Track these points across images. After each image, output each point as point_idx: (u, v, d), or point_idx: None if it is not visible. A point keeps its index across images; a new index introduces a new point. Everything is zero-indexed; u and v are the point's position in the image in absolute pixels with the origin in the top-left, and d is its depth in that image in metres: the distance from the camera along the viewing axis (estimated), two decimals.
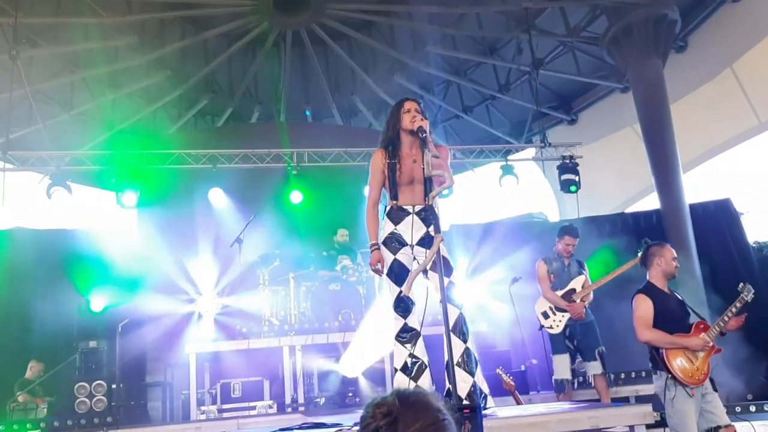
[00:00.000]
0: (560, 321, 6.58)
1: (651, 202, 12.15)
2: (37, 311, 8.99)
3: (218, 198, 9.93)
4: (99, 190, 13.44)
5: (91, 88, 13.71)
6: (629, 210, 13.39)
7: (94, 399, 7.17)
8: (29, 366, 8.55)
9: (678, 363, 4.44)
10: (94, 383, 7.24)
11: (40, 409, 7.54)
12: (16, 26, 9.99)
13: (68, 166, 9.72)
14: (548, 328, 6.64)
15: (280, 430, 3.95)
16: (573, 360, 6.58)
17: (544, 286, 6.70)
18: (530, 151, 13.07)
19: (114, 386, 7.38)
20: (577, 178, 10.44)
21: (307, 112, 10.39)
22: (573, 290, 6.63)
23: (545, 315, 6.68)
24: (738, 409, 6.25)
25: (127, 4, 12.20)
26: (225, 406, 7.50)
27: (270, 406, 7.45)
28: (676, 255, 4.85)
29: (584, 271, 6.80)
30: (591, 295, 6.67)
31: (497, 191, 10.97)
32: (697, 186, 13.48)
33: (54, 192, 9.43)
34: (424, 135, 4.03)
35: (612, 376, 7.29)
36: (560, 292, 6.63)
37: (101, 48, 12.96)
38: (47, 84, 12.79)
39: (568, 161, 10.56)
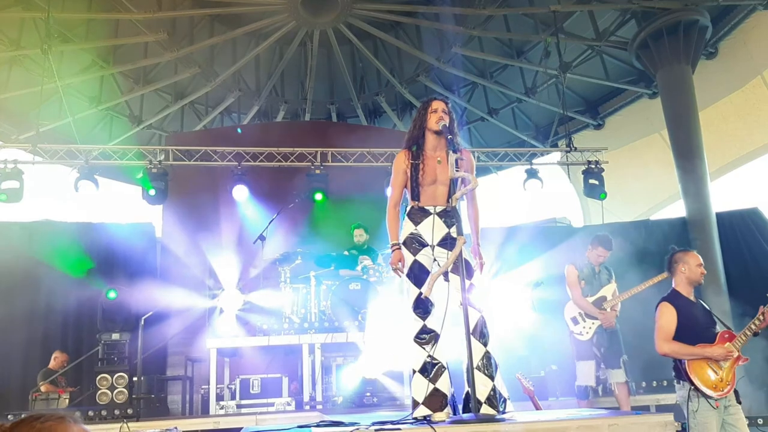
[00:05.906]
0: (590, 328, 6.50)
1: (677, 209, 12.01)
2: (61, 302, 9.15)
3: (242, 195, 10.00)
4: (125, 184, 13.64)
5: (120, 83, 13.93)
6: (655, 217, 13.24)
7: (116, 391, 7.21)
8: (53, 356, 8.67)
9: (702, 374, 4.35)
10: (116, 375, 7.28)
11: (62, 399, 7.61)
12: (49, 21, 10.16)
13: (96, 160, 9.86)
14: (577, 334, 6.56)
15: (298, 427, 3.94)
16: (598, 367, 6.49)
17: (575, 293, 6.59)
18: (555, 155, 12.98)
19: (135, 379, 7.42)
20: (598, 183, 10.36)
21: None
22: (603, 298, 6.54)
23: (575, 321, 6.60)
24: (760, 421, 6.16)
25: (158, 2, 12.34)
26: (243, 402, 7.54)
27: (288, 403, 7.48)
28: (701, 261, 4.74)
29: (613, 279, 6.71)
30: (619, 304, 6.59)
31: (521, 195, 10.92)
32: (724, 194, 13.29)
33: (81, 185, 9.58)
34: (450, 136, 4.02)
35: (633, 385, 7.21)
36: (590, 299, 6.54)
37: (131, 44, 13.16)
38: (77, 79, 12.99)
39: (593, 166, 10.47)
